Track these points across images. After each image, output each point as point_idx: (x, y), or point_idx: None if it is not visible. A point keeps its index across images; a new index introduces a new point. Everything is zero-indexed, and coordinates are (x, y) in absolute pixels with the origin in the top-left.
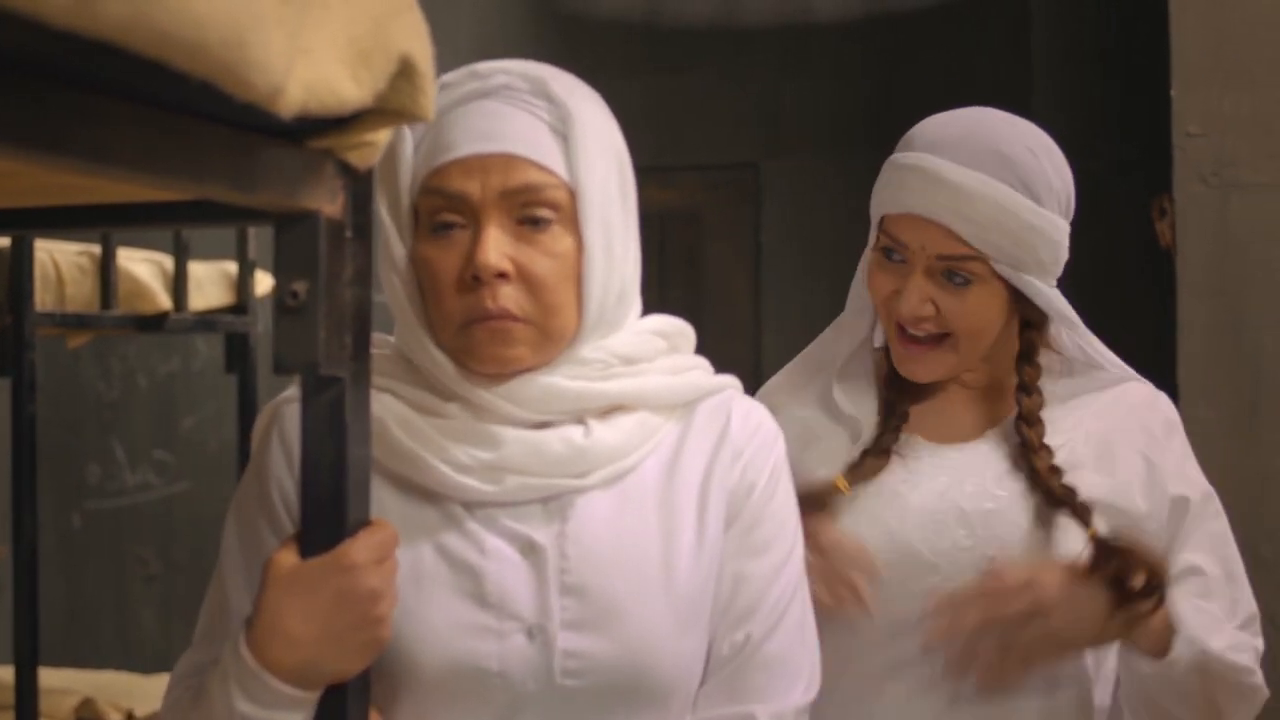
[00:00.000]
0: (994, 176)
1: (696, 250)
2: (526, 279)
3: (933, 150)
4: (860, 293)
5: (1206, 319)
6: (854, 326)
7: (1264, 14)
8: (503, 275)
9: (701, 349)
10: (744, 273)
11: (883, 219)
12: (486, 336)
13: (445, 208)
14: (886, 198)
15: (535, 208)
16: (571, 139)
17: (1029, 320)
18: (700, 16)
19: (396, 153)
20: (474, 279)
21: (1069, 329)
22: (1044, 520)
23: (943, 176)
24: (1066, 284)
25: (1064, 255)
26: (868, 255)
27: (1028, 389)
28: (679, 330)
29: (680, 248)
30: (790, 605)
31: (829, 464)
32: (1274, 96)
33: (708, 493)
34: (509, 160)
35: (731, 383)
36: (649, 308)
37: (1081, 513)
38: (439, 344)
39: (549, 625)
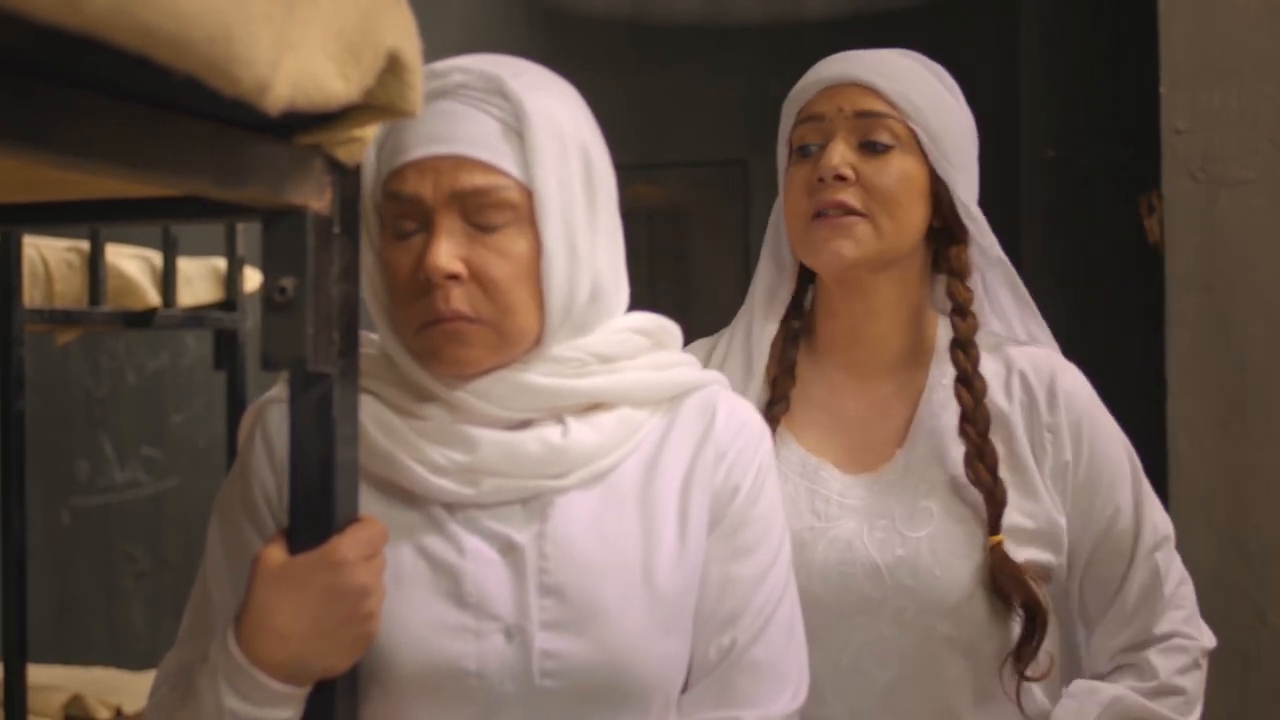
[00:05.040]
0: (910, 59)
1: (685, 247)
2: (480, 280)
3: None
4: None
5: (1195, 314)
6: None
7: (1251, 10)
8: (454, 277)
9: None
10: (732, 269)
11: (797, 114)
12: (441, 339)
13: (402, 213)
14: (802, 88)
15: (486, 211)
16: (526, 137)
17: (951, 236)
18: (688, 13)
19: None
20: (427, 281)
21: (980, 239)
22: (954, 558)
23: (858, 54)
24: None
25: (974, 168)
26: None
27: (961, 310)
28: (661, 327)
29: (668, 245)
30: (777, 609)
31: None
32: (1262, 92)
33: (689, 492)
34: (459, 162)
35: (716, 378)
36: (638, 305)
37: (994, 497)
38: (406, 346)
39: (527, 625)
